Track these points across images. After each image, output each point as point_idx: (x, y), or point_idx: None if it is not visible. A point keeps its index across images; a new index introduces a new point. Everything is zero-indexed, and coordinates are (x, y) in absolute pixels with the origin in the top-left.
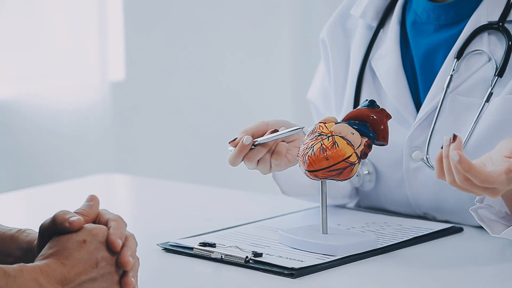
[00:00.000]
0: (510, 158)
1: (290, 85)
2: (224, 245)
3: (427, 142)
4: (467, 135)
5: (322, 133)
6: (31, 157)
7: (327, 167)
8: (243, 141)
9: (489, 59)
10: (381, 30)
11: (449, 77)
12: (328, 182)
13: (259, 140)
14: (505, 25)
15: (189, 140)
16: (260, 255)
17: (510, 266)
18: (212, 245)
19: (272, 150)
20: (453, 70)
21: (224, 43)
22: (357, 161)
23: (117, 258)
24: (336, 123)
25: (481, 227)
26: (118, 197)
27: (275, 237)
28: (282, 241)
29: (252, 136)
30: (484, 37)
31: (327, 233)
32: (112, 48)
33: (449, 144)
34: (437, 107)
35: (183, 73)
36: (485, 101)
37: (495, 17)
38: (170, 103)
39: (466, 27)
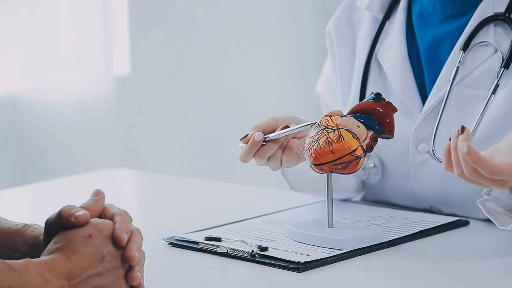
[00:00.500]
0: None
1: (297, 81)
2: (230, 240)
3: (433, 135)
4: (473, 127)
5: (327, 127)
6: (37, 152)
7: (332, 160)
8: (255, 138)
9: (496, 51)
10: (387, 22)
11: (455, 69)
12: (334, 176)
13: (270, 136)
14: None
15: (195, 135)
16: (266, 249)
17: None
18: (218, 240)
19: (284, 147)
20: (459, 62)
21: (229, 38)
22: (363, 154)
23: (123, 253)
24: (342, 116)
25: (487, 220)
26: (123, 191)
27: (280, 231)
28: (288, 235)
29: (263, 132)
30: (490, 28)
31: (333, 227)
32: (117, 42)
33: (457, 136)
34: (443, 99)
35: (188, 68)
36: (492, 93)
37: (502, 8)
38: (175, 97)
39: (472, 18)
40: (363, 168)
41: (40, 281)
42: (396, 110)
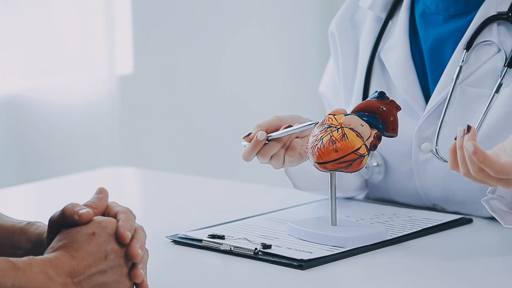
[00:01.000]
0: None
1: (299, 80)
2: (233, 237)
3: (436, 134)
4: (476, 126)
5: (331, 125)
6: (41, 151)
7: (336, 159)
8: (258, 137)
9: (499, 50)
10: (390, 22)
11: (458, 68)
12: (338, 175)
13: (273, 135)
14: None
15: (198, 133)
16: (269, 247)
17: None
18: (221, 237)
19: (287, 146)
20: (462, 61)
21: (231, 37)
22: (366, 153)
23: (126, 250)
24: (345, 115)
25: (490, 218)
26: (127, 190)
27: (284, 229)
28: (291, 232)
29: (266, 131)
30: (494, 27)
31: (336, 225)
32: (120, 42)
33: (463, 135)
34: (446, 98)
35: (191, 67)
36: (495, 92)
37: (505, 8)
38: (178, 96)
39: (475, 17)
40: (366, 167)
41: (44, 279)
42: (400, 109)
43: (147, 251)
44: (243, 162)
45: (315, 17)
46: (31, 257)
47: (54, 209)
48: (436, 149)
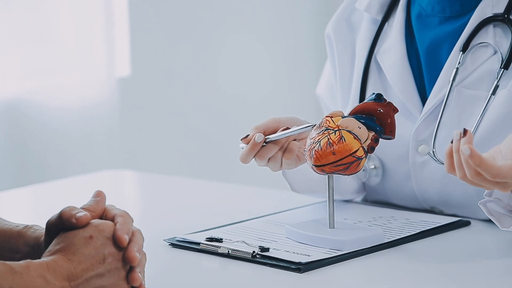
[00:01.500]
0: None
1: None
2: (231, 240)
3: (433, 136)
4: (473, 128)
5: (329, 128)
6: (38, 154)
7: (334, 161)
8: (255, 139)
9: (495, 52)
10: (386, 24)
11: (454, 70)
12: (335, 177)
13: (271, 137)
14: (511, 17)
15: (196, 136)
16: (267, 250)
17: None
18: (219, 240)
19: (284, 148)
20: (459, 63)
21: (230, 40)
22: (364, 155)
23: (124, 254)
24: (343, 117)
25: (488, 221)
26: (124, 193)
27: (282, 232)
28: (289, 235)
29: (263, 133)
30: (490, 29)
31: (334, 228)
32: (118, 44)
33: (460, 139)
34: (443, 100)
35: (189, 69)
36: (491, 94)
37: (501, 9)
38: (177, 98)
39: (471, 19)
40: (363, 170)
41: (41, 282)
42: (397, 111)
43: (145, 254)
44: (241, 165)
45: (312, 19)
46: (28, 260)
47: (52, 212)
48: (433, 152)
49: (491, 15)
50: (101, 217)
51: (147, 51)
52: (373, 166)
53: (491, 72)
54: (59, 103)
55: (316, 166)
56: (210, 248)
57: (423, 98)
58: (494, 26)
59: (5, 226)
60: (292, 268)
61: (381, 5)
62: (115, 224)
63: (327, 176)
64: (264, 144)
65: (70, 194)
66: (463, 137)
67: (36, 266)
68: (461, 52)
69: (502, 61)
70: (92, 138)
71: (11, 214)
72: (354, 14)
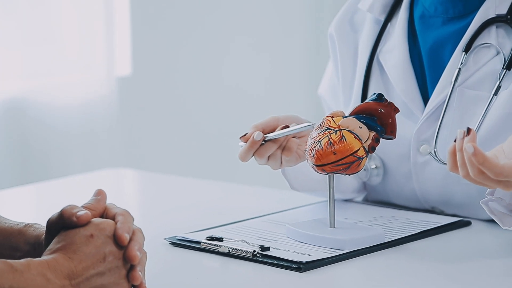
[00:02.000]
0: None
1: (299, 80)
2: (232, 239)
3: (435, 136)
4: (475, 128)
5: (329, 127)
6: (39, 152)
7: (334, 161)
8: (254, 137)
9: (498, 53)
10: (389, 24)
11: (457, 70)
12: (336, 177)
13: (270, 136)
14: None
15: (196, 135)
16: (268, 249)
17: None
18: (220, 239)
19: (283, 146)
20: (461, 63)
21: (230, 39)
22: (365, 155)
23: (124, 252)
24: (344, 117)
25: (489, 221)
26: (125, 191)
27: (282, 231)
28: (290, 235)
29: (262, 132)
30: (492, 30)
31: (334, 227)
32: (119, 43)
33: (463, 137)
34: (445, 100)
35: (190, 68)
36: (493, 95)
37: (504, 10)
38: (177, 97)
39: (474, 20)
40: (364, 169)
41: (42, 281)
42: (398, 111)
43: (146, 253)
44: (242, 164)
45: (315, 19)
46: (29, 259)
47: (53, 211)
48: (434, 152)
49: (494, 16)
50: (101, 216)
51: (148, 51)
52: (374, 166)
53: (494, 72)
54: (60, 102)
55: (316, 165)
56: (211, 247)
57: (425, 99)
58: (497, 27)
59: (6, 224)
60: (293, 267)
61: (384, 5)
62: (116, 223)
63: (327, 175)
64: (263, 142)
65: (71, 193)
66: (466, 135)
67: (37, 264)
68: (464, 53)
69: (505, 62)
70: (93, 137)
71: (12, 212)
72: (357, 14)
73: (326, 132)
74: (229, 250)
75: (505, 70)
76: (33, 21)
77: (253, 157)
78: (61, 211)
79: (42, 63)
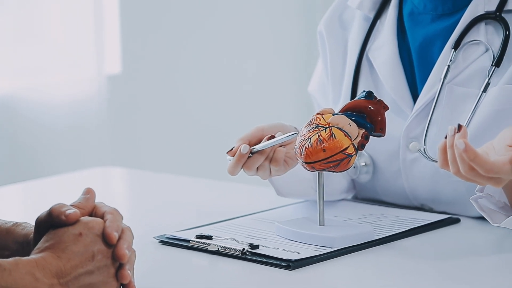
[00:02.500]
0: None
1: (290, 77)
2: (221, 238)
3: (424, 133)
4: (464, 125)
5: (319, 125)
6: (28, 151)
7: (324, 158)
8: (241, 150)
9: (487, 49)
10: (378, 21)
11: (446, 67)
12: (324, 179)
13: (257, 147)
14: (502, 14)
15: (185, 133)
16: (257, 247)
17: (507, 257)
18: (209, 238)
19: (271, 157)
20: (450, 60)
21: (220, 36)
22: (354, 152)
23: (113, 251)
24: (333, 115)
25: (478, 218)
26: (114, 190)
27: (271, 229)
28: (279, 233)
29: (249, 144)
30: (481, 27)
31: (324, 225)
32: (108, 41)
33: (454, 134)
34: (434, 98)
35: (180, 66)
36: (483, 91)
37: (492, 7)
38: (166, 96)
39: (463, 17)
40: (354, 167)
41: (30, 280)
42: (388, 108)
43: (134, 251)
44: None
45: (305, 17)
46: (17, 258)
47: (41, 209)
48: (424, 149)
49: (483, 13)
50: (90, 215)
51: (138, 49)
52: (363, 163)
53: (483, 69)
54: (49, 100)
55: (306, 163)
56: (200, 245)
57: (415, 96)
58: (485, 24)
59: None
60: (282, 265)
61: (374, 2)
62: (105, 221)
63: (317, 173)
64: (250, 154)
65: (60, 192)
66: (457, 132)
67: (25, 263)
68: (453, 50)
69: (494, 58)
70: (83, 135)
71: (1, 211)
72: (346, 12)
73: (316, 129)
74: (218, 249)
75: (494, 67)
76: (23, 19)
77: (242, 169)
78: (49, 209)
79: (31, 61)
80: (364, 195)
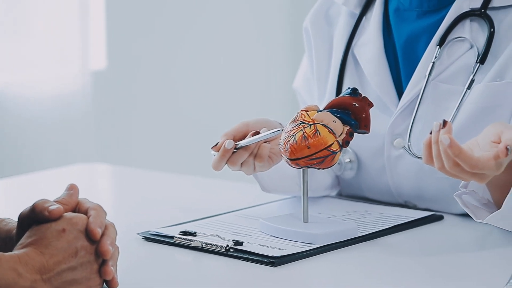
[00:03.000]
0: (498, 143)
1: (275, 73)
2: (205, 234)
3: (408, 130)
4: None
5: (304, 121)
6: (12, 146)
7: (308, 155)
8: (225, 146)
9: (471, 46)
10: (364, 18)
11: (431, 64)
12: (309, 175)
13: (241, 143)
14: (487, 11)
15: (170, 129)
16: (241, 243)
17: (489, 253)
18: (193, 234)
19: (255, 153)
20: (435, 57)
21: (206, 32)
22: (339, 149)
23: (96, 247)
24: (318, 111)
25: (461, 215)
26: (98, 186)
27: (255, 226)
28: (263, 229)
29: (233, 139)
30: (466, 24)
31: (307, 222)
32: (94, 37)
33: (439, 130)
34: (419, 94)
35: (165, 62)
36: (467, 88)
37: (477, 4)
38: (151, 92)
39: (448, 14)
40: (338, 163)
41: (13, 275)
42: (372, 105)
43: (118, 248)
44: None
45: (291, 13)
46: (0, 253)
47: (24, 205)
48: (408, 145)
49: (468, 9)
50: (74, 210)
51: (123, 45)
52: (348, 160)
53: (467, 66)
54: (34, 96)
55: (290, 159)
56: (184, 242)
57: (400, 92)
58: (470, 21)
59: None
60: (266, 262)
61: None
62: (88, 218)
63: (301, 170)
64: (235, 150)
65: (43, 187)
66: (442, 128)
67: (8, 258)
68: (438, 47)
69: (478, 55)
70: (67, 130)
71: None
72: (332, 8)
73: (301, 126)
74: (202, 245)
75: (478, 64)
76: (8, 15)
77: (226, 165)
78: (33, 205)
79: (16, 56)
80: (348, 192)
